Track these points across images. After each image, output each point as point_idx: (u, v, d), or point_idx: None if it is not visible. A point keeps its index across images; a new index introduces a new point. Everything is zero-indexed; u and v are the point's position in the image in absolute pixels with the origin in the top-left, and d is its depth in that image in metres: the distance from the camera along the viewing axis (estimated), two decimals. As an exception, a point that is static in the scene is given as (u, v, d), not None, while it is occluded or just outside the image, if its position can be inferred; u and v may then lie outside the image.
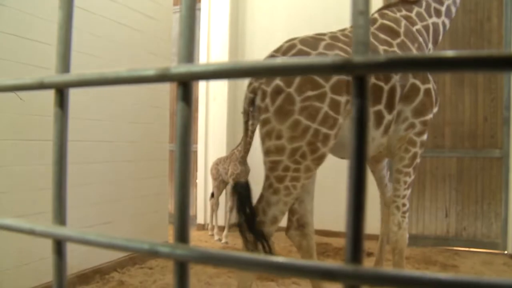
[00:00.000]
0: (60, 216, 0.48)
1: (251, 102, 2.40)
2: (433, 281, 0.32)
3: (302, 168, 2.31)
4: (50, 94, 0.48)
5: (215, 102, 5.90)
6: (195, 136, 5.98)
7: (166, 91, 4.72)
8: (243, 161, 4.91)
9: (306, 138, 2.26)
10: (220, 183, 5.24)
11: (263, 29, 5.89)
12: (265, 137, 2.33)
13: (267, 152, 2.36)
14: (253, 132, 4.96)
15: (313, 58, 0.36)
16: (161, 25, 4.57)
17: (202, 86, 5.96)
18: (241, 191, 2.52)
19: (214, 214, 5.38)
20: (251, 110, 2.44)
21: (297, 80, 2.25)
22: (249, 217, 2.42)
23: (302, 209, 2.82)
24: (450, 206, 4.94)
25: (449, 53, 0.31)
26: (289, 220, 2.74)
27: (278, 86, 2.26)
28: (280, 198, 2.38)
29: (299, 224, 2.74)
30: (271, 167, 2.38)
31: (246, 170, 4.97)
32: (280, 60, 0.36)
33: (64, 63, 0.48)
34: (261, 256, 0.37)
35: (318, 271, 0.35)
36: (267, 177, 2.41)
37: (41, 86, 0.47)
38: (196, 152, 6.00)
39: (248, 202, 2.46)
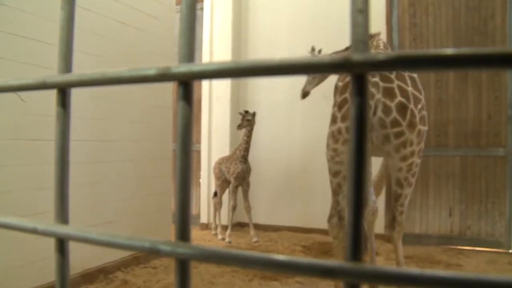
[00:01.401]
0: (62, 215, 0.48)
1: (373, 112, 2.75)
2: (433, 279, 0.32)
3: (420, 162, 2.92)
4: (53, 94, 0.48)
5: (218, 102, 5.91)
6: (198, 136, 5.99)
7: (169, 91, 4.72)
8: (244, 160, 4.94)
9: (423, 140, 2.84)
10: (223, 182, 5.26)
11: (266, 28, 5.89)
12: (400, 146, 2.73)
13: (404, 159, 2.78)
14: (250, 132, 5.00)
15: (312, 57, 0.36)
16: (163, 25, 4.58)
17: (205, 86, 5.97)
18: None
19: (217, 213, 5.39)
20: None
21: (411, 96, 2.72)
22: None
23: (344, 203, 3.11)
24: (454, 205, 4.92)
25: (449, 51, 0.31)
26: (333, 208, 3.05)
27: (402, 102, 2.69)
28: (412, 188, 2.91)
29: (340, 216, 3.01)
30: (408, 169, 2.83)
31: (247, 169, 5.00)
32: (279, 60, 0.36)
33: (66, 63, 0.48)
34: (262, 255, 0.37)
35: (318, 269, 0.35)
36: (405, 178, 2.85)
37: (43, 86, 0.47)
38: (199, 151, 6.01)
39: None
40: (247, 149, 4.94)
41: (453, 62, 0.32)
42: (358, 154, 0.35)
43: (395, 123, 2.68)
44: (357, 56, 0.34)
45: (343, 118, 2.80)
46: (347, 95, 2.82)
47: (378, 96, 2.69)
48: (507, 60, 0.30)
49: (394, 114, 2.67)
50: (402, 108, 2.68)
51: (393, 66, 0.33)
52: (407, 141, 2.72)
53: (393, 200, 2.97)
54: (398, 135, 2.70)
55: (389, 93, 2.69)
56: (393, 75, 2.81)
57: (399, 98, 2.69)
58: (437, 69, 0.33)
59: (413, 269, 0.32)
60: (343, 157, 2.88)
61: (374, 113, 2.69)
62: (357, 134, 0.35)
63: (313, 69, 0.36)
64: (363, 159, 0.35)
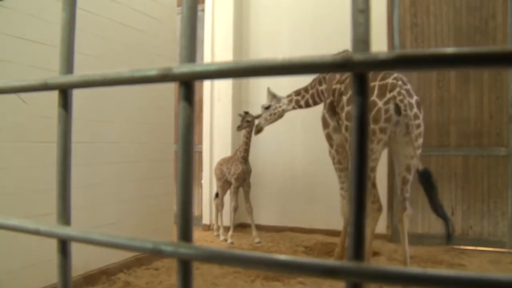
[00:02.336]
0: (64, 216, 0.48)
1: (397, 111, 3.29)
2: (435, 278, 0.32)
3: None
4: (55, 96, 0.48)
5: (220, 103, 5.91)
6: (200, 137, 5.99)
7: (171, 92, 4.73)
8: (244, 161, 4.94)
9: None
10: (224, 183, 5.26)
11: (267, 30, 5.89)
12: (418, 136, 3.31)
13: (418, 147, 3.32)
14: (250, 133, 5.06)
15: (314, 57, 0.36)
16: (165, 26, 4.58)
17: (207, 87, 5.97)
18: (430, 179, 3.33)
19: (219, 214, 5.39)
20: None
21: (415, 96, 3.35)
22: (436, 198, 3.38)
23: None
24: (456, 205, 4.91)
25: (449, 50, 0.31)
26: (377, 197, 3.69)
27: (418, 100, 3.34)
28: None
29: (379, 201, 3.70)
30: (417, 157, 3.34)
31: (247, 170, 5.00)
32: (281, 59, 0.36)
33: (68, 64, 0.48)
34: (264, 255, 0.37)
35: (320, 268, 0.35)
36: (414, 165, 3.40)
37: (45, 87, 0.47)
38: (201, 152, 6.01)
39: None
40: (247, 150, 4.94)
41: (453, 61, 0.32)
42: (360, 153, 0.35)
43: (416, 116, 3.30)
44: (358, 56, 0.34)
45: (375, 121, 3.31)
46: (374, 98, 3.34)
47: (400, 97, 3.28)
48: (507, 58, 0.30)
49: (415, 109, 3.30)
50: (419, 104, 3.34)
51: (394, 65, 0.33)
52: (421, 132, 3.34)
53: (401, 184, 3.50)
54: (418, 126, 3.32)
55: (408, 93, 3.31)
56: (405, 78, 3.42)
57: (415, 97, 3.34)
58: (437, 68, 0.33)
59: (416, 269, 0.32)
60: (378, 155, 3.42)
61: (405, 110, 3.25)
62: (358, 134, 0.35)
63: (315, 69, 0.36)
64: (364, 158, 0.35)
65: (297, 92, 4.58)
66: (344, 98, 3.66)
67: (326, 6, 5.49)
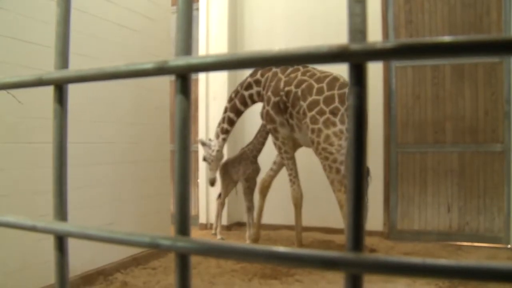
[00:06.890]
0: (61, 212, 0.48)
1: None
2: (434, 267, 0.32)
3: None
4: (50, 96, 0.48)
5: (215, 102, 5.89)
6: (196, 137, 5.97)
7: (167, 92, 4.71)
8: (255, 160, 4.91)
9: None
10: (230, 183, 5.19)
11: (262, 29, 5.89)
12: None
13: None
14: (267, 133, 5.07)
15: (309, 47, 0.36)
16: (159, 26, 4.57)
17: (202, 86, 5.95)
18: (367, 176, 3.76)
19: (219, 213, 5.36)
20: None
21: None
22: None
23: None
24: (452, 201, 4.93)
25: (446, 38, 0.31)
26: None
27: None
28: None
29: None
30: None
31: (257, 169, 4.97)
32: (277, 50, 0.36)
33: (63, 59, 0.48)
34: (263, 247, 0.37)
35: (320, 260, 0.35)
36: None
37: (40, 82, 0.47)
38: (197, 152, 5.99)
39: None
40: (260, 150, 4.94)
41: (450, 49, 0.32)
42: (358, 143, 0.35)
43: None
44: (354, 46, 0.34)
45: (342, 122, 3.80)
46: (337, 104, 3.79)
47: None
48: (502, 46, 0.30)
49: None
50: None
51: (391, 55, 0.33)
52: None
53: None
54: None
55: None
56: None
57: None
58: (434, 57, 0.33)
59: (415, 259, 0.32)
60: (345, 151, 3.77)
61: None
62: (356, 124, 0.35)
63: (311, 59, 0.36)
64: (362, 148, 0.35)
65: (218, 124, 4.91)
66: (304, 104, 3.96)
67: (322, 5, 5.49)
